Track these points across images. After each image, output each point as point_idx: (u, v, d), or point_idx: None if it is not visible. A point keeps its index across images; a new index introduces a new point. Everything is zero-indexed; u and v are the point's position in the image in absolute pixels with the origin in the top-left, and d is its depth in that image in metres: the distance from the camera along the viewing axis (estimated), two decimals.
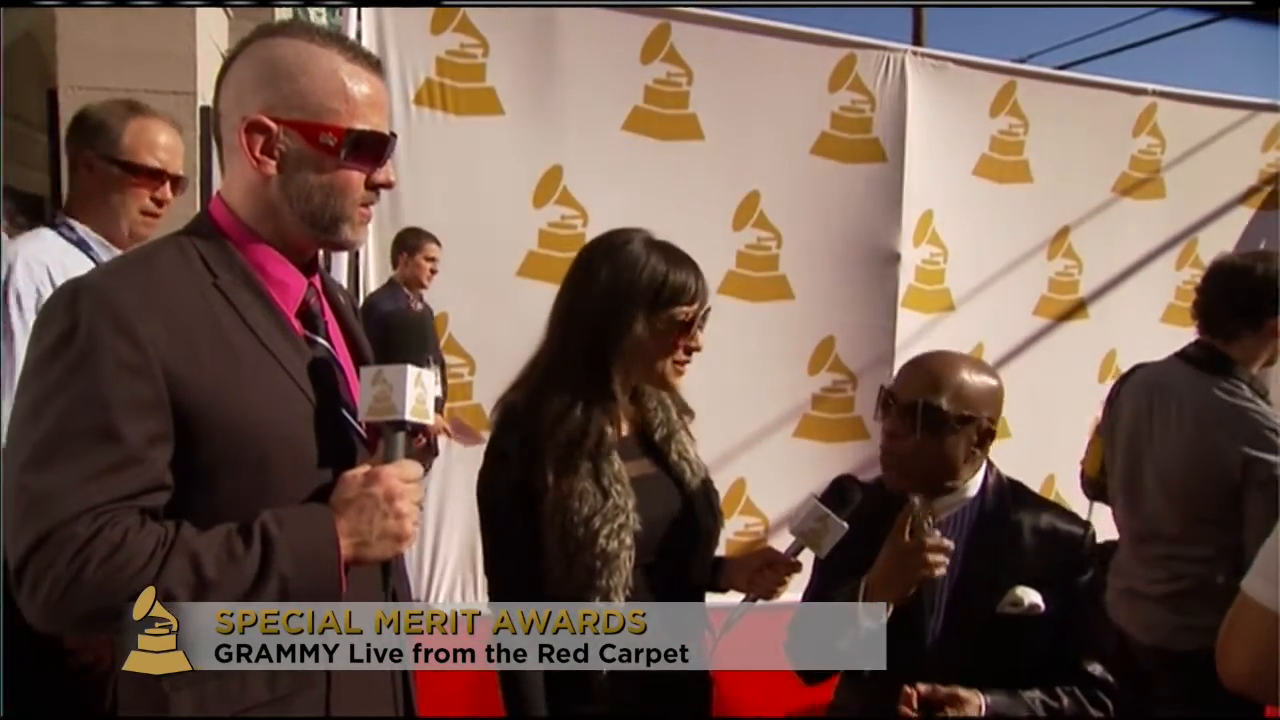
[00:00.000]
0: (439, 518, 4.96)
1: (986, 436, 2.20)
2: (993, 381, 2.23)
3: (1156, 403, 3.12)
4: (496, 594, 2.10)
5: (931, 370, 2.22)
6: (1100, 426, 3.49)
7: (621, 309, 2.02)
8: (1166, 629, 3.01)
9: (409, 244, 5.16)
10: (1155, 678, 3.06)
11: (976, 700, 2.03)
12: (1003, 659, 2.10)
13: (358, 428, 1.62)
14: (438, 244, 5.14)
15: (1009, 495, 2.26)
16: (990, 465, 2.29)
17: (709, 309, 2.12)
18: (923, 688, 2.02)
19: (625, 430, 2.17)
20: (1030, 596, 2.12)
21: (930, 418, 2.14)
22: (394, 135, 1.64)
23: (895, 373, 2.32)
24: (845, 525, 2.01)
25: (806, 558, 2.11)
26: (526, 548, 2.02)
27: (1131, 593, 3.13)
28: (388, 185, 1.66)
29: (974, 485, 2.25)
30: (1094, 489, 3.55)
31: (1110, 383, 3.69)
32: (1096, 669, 2.17)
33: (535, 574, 2.02)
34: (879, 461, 2.28)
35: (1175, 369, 3.14)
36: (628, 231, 2.11)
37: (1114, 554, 3.27)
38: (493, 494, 2.08)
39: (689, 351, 2.11)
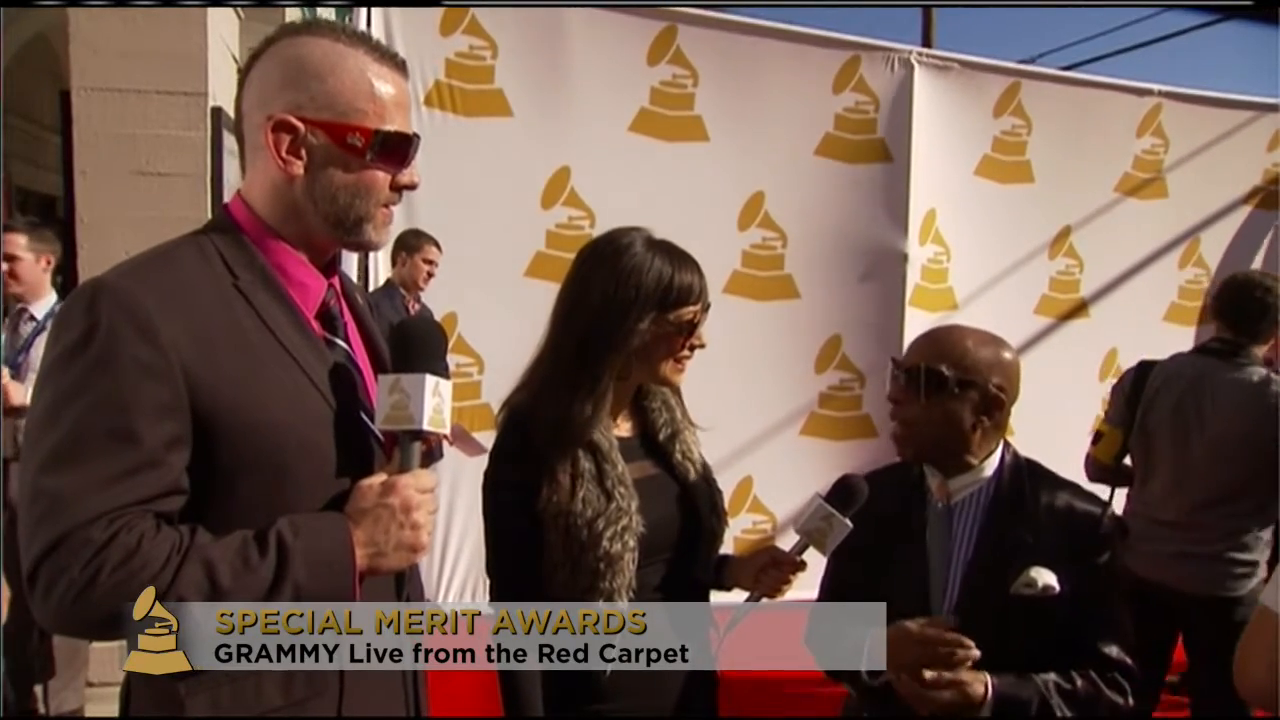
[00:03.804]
0: (449, 519, 4.97)
1: (994, 404, 2.19)
2: (1002, 352, 2.23)
3: (1202, 389, 3.66)
4: (497, 594, 2.11)
5: (936, 339, 2.24)
6: (1111, 417, 3.99)
7: (628, 312, 2.01)
8: (1224, 578, 3.60)
9: (409, 245, 5.17)
10: (1203, 627, 3.65)
11: (984, 680, 2.03)
12: (1017, 641, 2.09)
13: (376, 432, 1.61)
14: (438, 247, 5.14)
15: (1026, 474, 2.25)
16: (1007, 445, 2.28)
17: (709, 305, 2.13)
18: (928, 674, 2.01)
19: (629, 431, 2.18)
20: (1045, 577, 2.10)
21: (931, 381, 2.15)
22: (418, 136, 1.63)
23: None
24: (850, 524, 2.01)
25: (811, 556, 2.11)
26: (528, 549, 2.02)
27: (1184, 555, 3.64)
28: (412, 186, 1.66)
29: (991, 465, 2.24)
30: (1106, 474, 3.96)
31: (1111, 381, 3.86)
32: (1114, 651, 2.14)
33: (536, 575, 2.03)
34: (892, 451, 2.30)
35: (1202, 361, 3.75)
36: (629, 232, 2.11)
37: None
38: (496, 495, 2.09)
39: (692, 349, 2.12)
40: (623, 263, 2.03)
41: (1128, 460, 3.98)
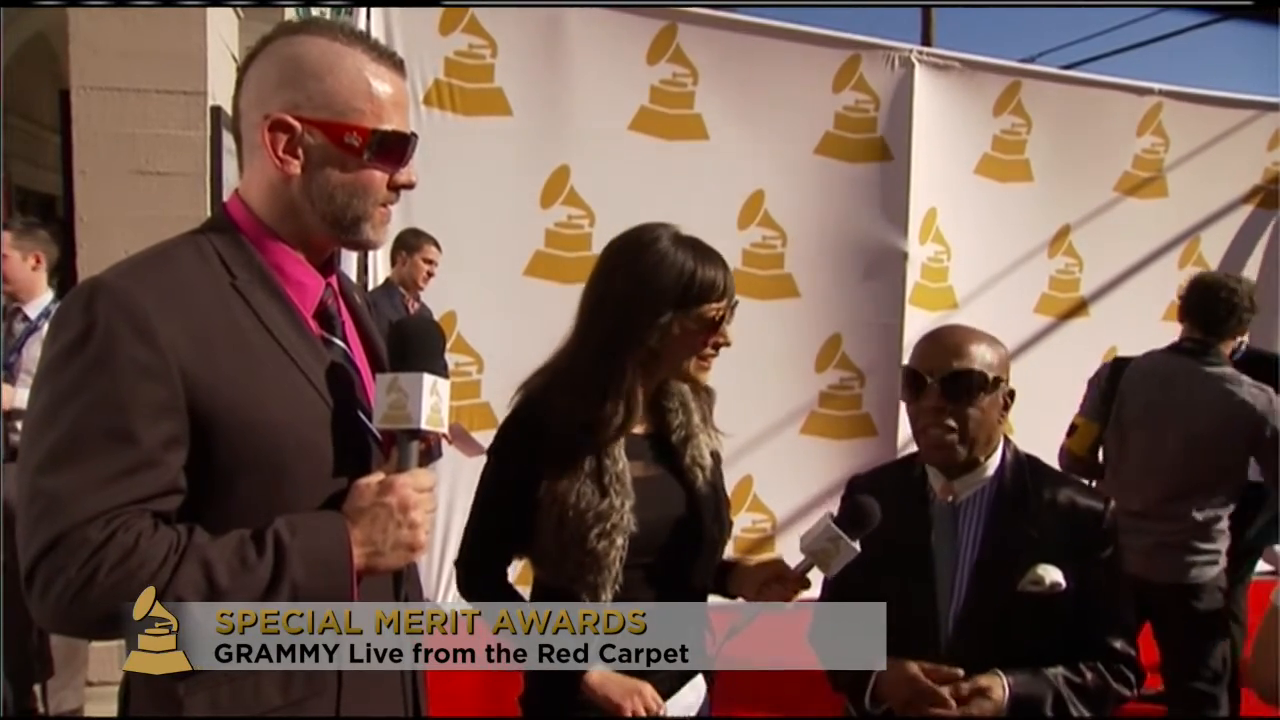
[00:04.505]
0: (448, 518, 4.96)
1: (1009, 401, 2.21)
2: (1002, 347, 2.24)
3: (1174, 387, 3.84)
4: (463, 557, 2.15)
5: (956, 341, 2.21)
6: (1086, 410, 4.19)
7: (648, 307, 2.01)
8: (1189, 567, 3.80)
9: (409, 244, 5.15)
10: (1170, 614, 3.82)
11: (1000, 682, 2.04)
12: (1024, 638, 2.10)
13: (374, 431, 1.61)
14: (437, 247, 5.13)
15: (1027, 471, 2.25)
16: (1008, 442, 2.28)
17: (736, 303, 2.12)
18: (949, 691, 2.04)
19: (641, 429, 2.16)
20: (1051, 575, 2.10)
21: (979, 384, 2.14)
22: (415, 135, 1.63)
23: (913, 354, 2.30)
24: (857, 548, 1.98)
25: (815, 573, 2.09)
26: (506, 527, 2.07)
27: (1152, 546, 3.80)
28: (409, 185, 1.65)
29: (993, 463, 2.23)
30: (1081, 466, 4.13)
31: None
32: (1119, 644, 2.15)
33: (504, 551, 2.11)
34: (918, 444, 2.27)
35: (1174, 360, 3.92)
36: (655, 228, 2.10)
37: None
38: (496, 467, 2.12)
39: (716, 348, 2.12)
40: (647, 258, 2.04)
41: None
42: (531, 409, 2.08)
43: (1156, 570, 3.80)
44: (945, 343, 2.23)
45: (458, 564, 2.18)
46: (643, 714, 1.95)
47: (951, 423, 2.17)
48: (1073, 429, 4.19)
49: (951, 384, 2.16)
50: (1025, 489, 2.21)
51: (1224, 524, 3.89)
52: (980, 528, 2.19)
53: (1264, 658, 1.67)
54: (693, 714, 2.19)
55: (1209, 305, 3.89)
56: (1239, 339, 4.06)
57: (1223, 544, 3.89)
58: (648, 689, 1.98)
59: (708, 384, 2.29)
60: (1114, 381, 4.06)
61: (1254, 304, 3.90)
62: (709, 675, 2.21)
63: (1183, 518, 3.80)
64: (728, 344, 2.13)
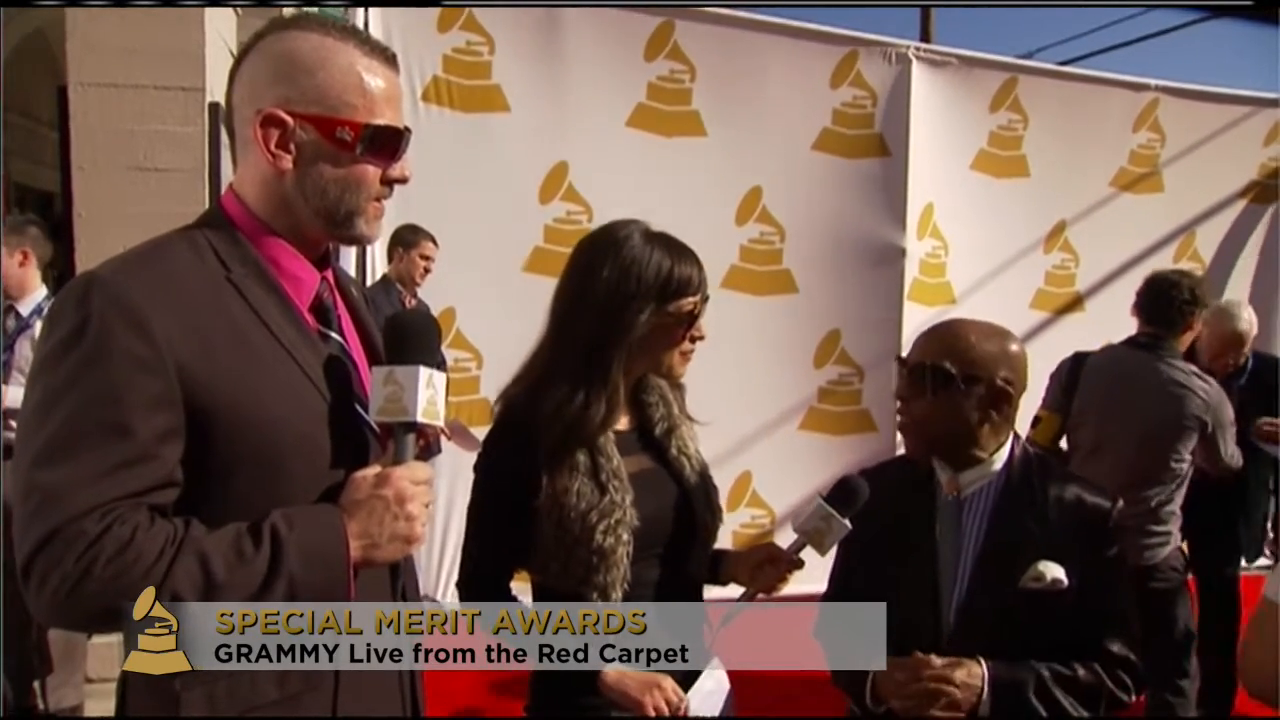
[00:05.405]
0: (448, 515, 4.98)
1: (1001, 398, 2.16)
2: (1008, 344, 2.21)
3: (1131, 380, 4.05)
4: (464, 576, 2.13)
5: (940, 334, 2.22)
6: (1048, 403, 4.32)
7: (627, 304, 2.00)
8: (1143, 549, 3.97)
9: (406, 240, 5.13)
10: None
11: (977, 662, 2.04)
12: (1024, 635, 2.09)
13: (371, 424, 1.61)
14: (435, 243, 5.12)
15: (1035, 468, 2.24)
16: (1017, 438, 2.27)
17: (708, 297, 2.12)
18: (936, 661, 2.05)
19: (625, 425, 2.16)
20: (1053, 571, 2.09)
21: (937, 379, 2.14)
22: (409, 130, 1.62)
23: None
24: (849, 525, 2.00)
25: (812, 552, 2.08)
26: (507, 540, 2.05)
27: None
28: (403, 180, 1.64)
29: (1000, 458, 2.22)
30: None
31: None
32: (1118, 647, 2.13)
33: (507, 568, 2.08)
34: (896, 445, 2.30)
35: (1131, 354, 4.14)
36: (626, 224, 2.10)
37: None
38: (487, 482, 2.10)
39: (694, 341, 2.12)
40: (622, 255, 2.03)
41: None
42: (516, 417, 2.08)
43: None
44: (930, 336, 2.25)
45: (460, 585, 2.15)
46: (665, 711, 1.93)
47: (909, 414, 2.22)
48: (1036, 421, 4.31)
49: (914, 377, 2.19)
50: (1031, 485, 2.20)
51: (1175, 506, 4.07)
52: (985, 522, 2.18)
53: (1257, 658, 1.66)
54: (718, 707, 2.17)
55: (1153, 301, 4.12)
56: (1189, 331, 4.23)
57: (1174, 525, 4.08)
58: (667, 681, 1.95)
59: (683, 388, 2.30)
60: (1074, 374, 4.23)
61: (1195, 297, 4.07)
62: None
63: (1139, 503, 3.93)
64: (702, 337, 2.13)
